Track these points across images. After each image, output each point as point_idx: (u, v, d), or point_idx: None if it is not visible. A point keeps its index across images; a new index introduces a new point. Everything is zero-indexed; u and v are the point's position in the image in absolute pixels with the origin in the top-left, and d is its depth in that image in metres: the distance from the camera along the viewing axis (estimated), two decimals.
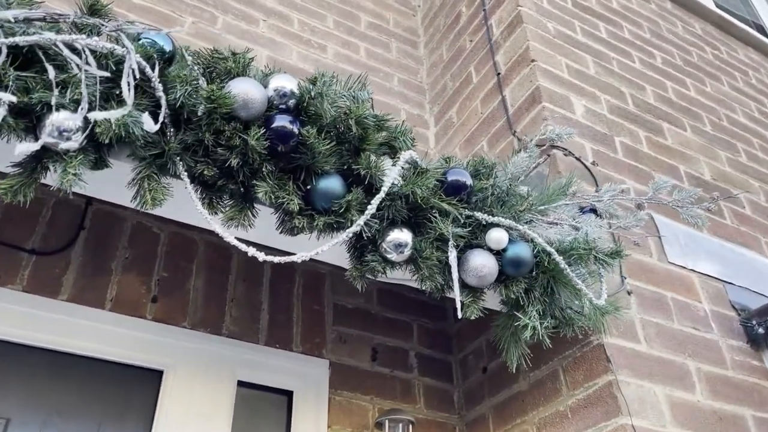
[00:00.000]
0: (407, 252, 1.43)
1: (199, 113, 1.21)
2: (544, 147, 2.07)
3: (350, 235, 1.34)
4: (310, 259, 1.31)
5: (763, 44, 4.12)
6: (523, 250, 1.54)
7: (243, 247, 1.23)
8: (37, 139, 1.08)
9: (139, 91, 1.15)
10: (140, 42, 1.19)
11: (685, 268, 2.11)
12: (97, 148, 1.16)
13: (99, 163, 1.19)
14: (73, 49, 1.09)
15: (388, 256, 1.43)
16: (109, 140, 1.10)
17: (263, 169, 1.29)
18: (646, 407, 1.62)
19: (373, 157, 1.39)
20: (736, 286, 2.19)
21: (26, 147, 1.04)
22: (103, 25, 1.16)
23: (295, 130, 1.30)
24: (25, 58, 1.09)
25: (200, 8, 2.69)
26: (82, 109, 1.07)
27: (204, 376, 1.82)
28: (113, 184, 1.28)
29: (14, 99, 1.03)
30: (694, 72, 3.25)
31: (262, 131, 1.26)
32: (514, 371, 1.68)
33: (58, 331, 1.70)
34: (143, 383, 1.77)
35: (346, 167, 1.39)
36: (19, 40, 1.05)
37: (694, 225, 1.87)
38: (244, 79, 1.29)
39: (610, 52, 2.80)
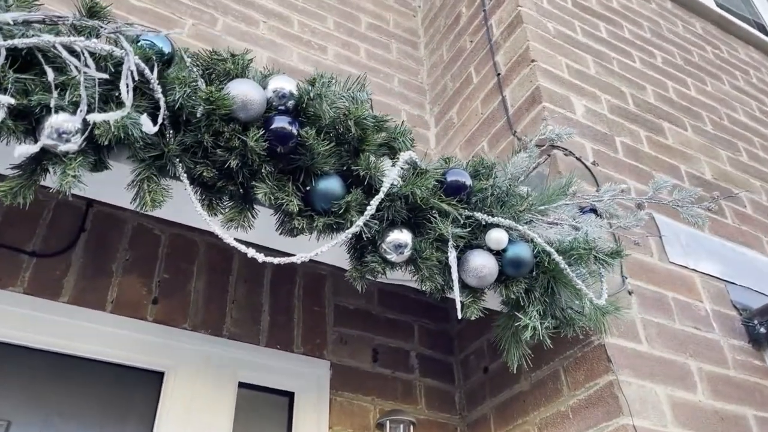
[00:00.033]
0: (407, 252, 1.43)
1: (198, 115, 1.21)
2: (544, 147, 2.07)
3: (350, 235, 1.35)
4: (311, 260, 1.31)
5: (764, 43, 4.11)
6: (523, 251, 1.53)
7: (242, 248, 1.23)
8: (36, 141, 1.08)
9: (138, 93, 1.15)
10: (139, 44, 1.19)
11: (686, 267, 2.10)
12: (97, 150, 1.16)
13: (98, 165, 1.19)
14: (72, 52, 1.10)
15: (388, 256, 1.43)
16: (108, 142, 1.11)
17: (262, 170, 1.29)
18: (648, 407, 1.62)
19: (372, 158, 1.39)
20: (737, 286, 2.19)
21: (25, 149, 1.05)
22: (102, 27, 1.16)
23: (294, 131, 1.30)
24: (24, 60, 1.09)
25: (200, 10, 2.69)
26: (81, 111, 1.08)
27: (205, 378, 1.82)
28: (113, 185, 1.28)
29: (13, 101, 1.03)
30: (695, 71, 3.24)
31: (261, 132, 1.26)
32: (515, 371, 1.67)
33: (58, 333, 1.70)
34: (144, 385, 1.77)
35: (345, 168, 1.39)
36: (18, 42, 1.05)
37: (695, 224, 1.87)
38: (243, 80, 1.29)
39: (610, 52, 2.80)
